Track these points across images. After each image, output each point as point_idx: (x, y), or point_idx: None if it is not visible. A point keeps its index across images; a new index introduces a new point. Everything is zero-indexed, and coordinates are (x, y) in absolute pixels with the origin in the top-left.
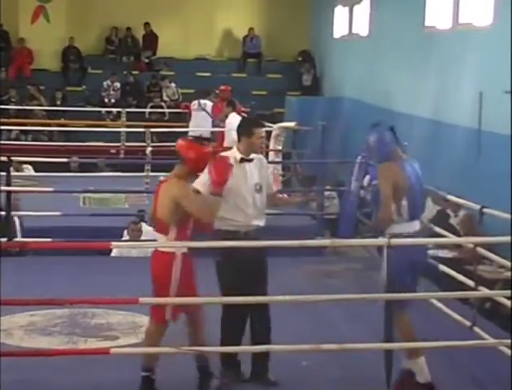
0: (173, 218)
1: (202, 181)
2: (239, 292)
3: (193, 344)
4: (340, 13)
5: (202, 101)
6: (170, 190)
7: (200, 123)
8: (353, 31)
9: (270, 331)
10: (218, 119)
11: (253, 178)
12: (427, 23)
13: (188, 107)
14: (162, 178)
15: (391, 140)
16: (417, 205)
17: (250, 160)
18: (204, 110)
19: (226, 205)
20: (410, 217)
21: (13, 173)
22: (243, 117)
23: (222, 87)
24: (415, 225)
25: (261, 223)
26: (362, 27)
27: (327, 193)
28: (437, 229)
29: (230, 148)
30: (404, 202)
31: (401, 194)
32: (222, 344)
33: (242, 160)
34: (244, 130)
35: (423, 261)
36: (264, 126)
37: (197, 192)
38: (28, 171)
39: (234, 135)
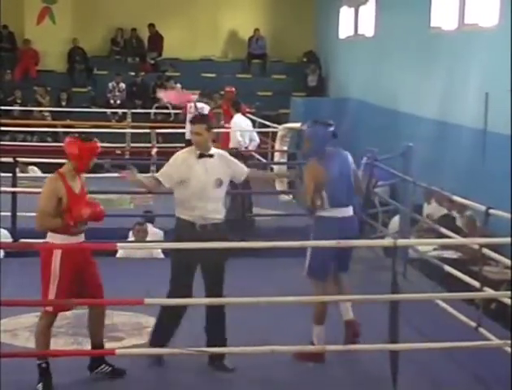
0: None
1: (167, 173)
2: (184, 271)
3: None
4: (346, 14)
5: (199, 105)
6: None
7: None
8: (359, 32)
9: (224, 317)
10: (228, 122)
11: (214, 173)
12: (432, 24)
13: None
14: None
15: (325, 137)
16: (338, 194)
17: (210, 156)
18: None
19: (187, 196)
20: (334, 204)
21: (19, 174)
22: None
23: (227, 88)
24: (345, 211)
25: (219, 216)
26: (367, 27)
27: None
28: (443, 230)
29: (236, 149)
30: (324, 194)
31: (320, 188)
32: (158, 323)
33: (201, 156)
34: (205, 124)
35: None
36: (200, 123)
37: (157, 180)
38: (34, 172)
39: (239, 136)
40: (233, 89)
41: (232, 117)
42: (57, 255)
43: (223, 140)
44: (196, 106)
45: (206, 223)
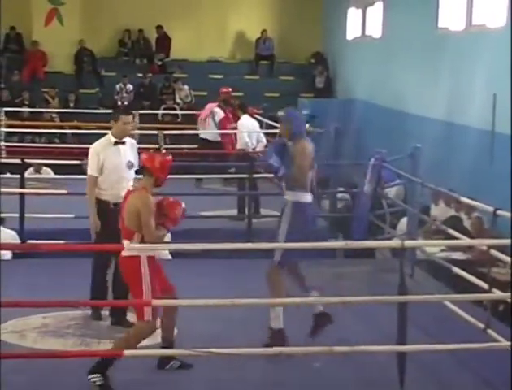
0: (137, 226)
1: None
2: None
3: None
4: (353, 15)
5: (215, 109)
6: (135, 200)
7: (206, 129)
8: (366, 33)
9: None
10: (227, 123)
11: (127, 157)
12: (440, 25)
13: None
14: (130, 187)
15: (302, 118)
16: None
17: (123, 142)
18: (213, 118)
19: (103, 178)
20: (307, 189)
21: (29, 176)
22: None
23: (222, 89)
24: (310, 196)
25: None
26: (375, 28)
27: (340, 195)
28: (450, 231)
29: (243, 150)
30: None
31: (309, 168)
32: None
33: (116, 143)
34: (113, 116)
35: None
36: (131, 114)
37: (91, 178)
38: (47, 173)
39: (246, 137)
40: (229, 90)
41: (229, 118)
42: (144, 260)
43: (227, 143)
44: (212, 110)
45: (118, 201)
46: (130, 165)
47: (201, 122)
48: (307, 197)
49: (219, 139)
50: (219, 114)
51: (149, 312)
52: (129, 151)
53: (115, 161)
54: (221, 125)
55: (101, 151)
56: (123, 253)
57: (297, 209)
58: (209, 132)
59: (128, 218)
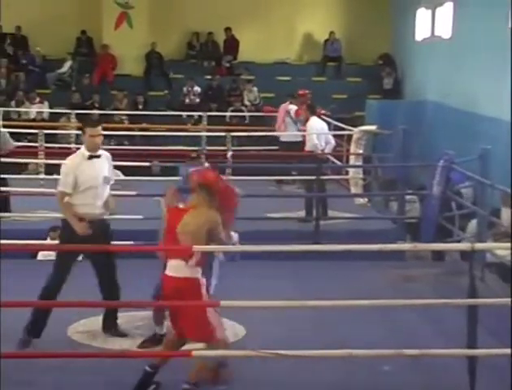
0: (202, 243)
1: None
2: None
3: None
4: (423, 15)
5: (289, 107)
6: (206, 219)
7: (287, 129)
8: (436, 33)
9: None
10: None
11: (103, 171)
12: (511, 25)
13: (271, 110)
14: (180, 205)
15: None
16: None
17: (98, 156)
18: (290, 116)
19: (78, 193)
20: None
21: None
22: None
23: (300, 91)
24: None
25: (104, 211)
26: (444, 29)
27: (408, 197)
28: None
29: (311, 152)
30: None
31: None
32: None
33: (91, 157)
34: (81, 129)
35: None
36: (98, 125)
37: (62, 194)
38: (116, 175)
39: (315, 139)
40: (307, 92)
41: (306, 120)
42: (202, 285)
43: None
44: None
45: (93, 217)
46: (107, 181)
47: (279, 129)
48: None
49: (299, 139)
50: (293, 108)
51: (219, 331)
52: (105, 165)
53: (90, 175)
54: (297, 115)
55: (76, 167)
56: (181, 275)
57: None
58: (286, 133)
59: (192, 238)
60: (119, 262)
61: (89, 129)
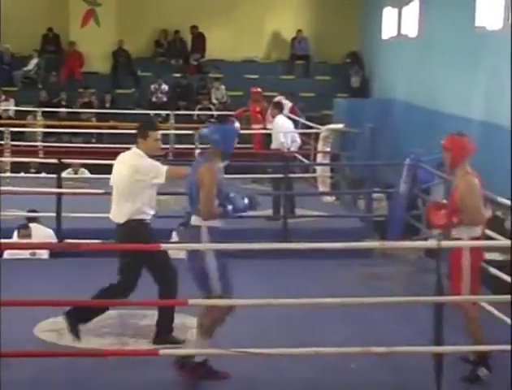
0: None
1: None
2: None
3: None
4: (389, 14)
5: (284, 101)
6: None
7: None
8: (402, 32)
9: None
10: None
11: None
12: (477, 24)
13: (242, 113)
14: None
15: (233, 138)
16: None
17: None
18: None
19: (143, 200)
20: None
21: (68, 175)
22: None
23: (252, 89)
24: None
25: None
26: (411, 28)
27: (375, 195)
28: (489, 232)
29: (278, 150)
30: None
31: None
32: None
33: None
34: (140, 133)
35: None
36: (160, 129)
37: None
38: (83, 173)
39: (282, 137)
40: (259, 90)
41: (258, 118)
42: (466, 253)
43: (256, 142)
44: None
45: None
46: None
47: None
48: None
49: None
50: (287, 105)
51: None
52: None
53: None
54: (238, 115)
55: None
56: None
57: (213, 234)
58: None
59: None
60: (88, 261)
61: (154, 133)
